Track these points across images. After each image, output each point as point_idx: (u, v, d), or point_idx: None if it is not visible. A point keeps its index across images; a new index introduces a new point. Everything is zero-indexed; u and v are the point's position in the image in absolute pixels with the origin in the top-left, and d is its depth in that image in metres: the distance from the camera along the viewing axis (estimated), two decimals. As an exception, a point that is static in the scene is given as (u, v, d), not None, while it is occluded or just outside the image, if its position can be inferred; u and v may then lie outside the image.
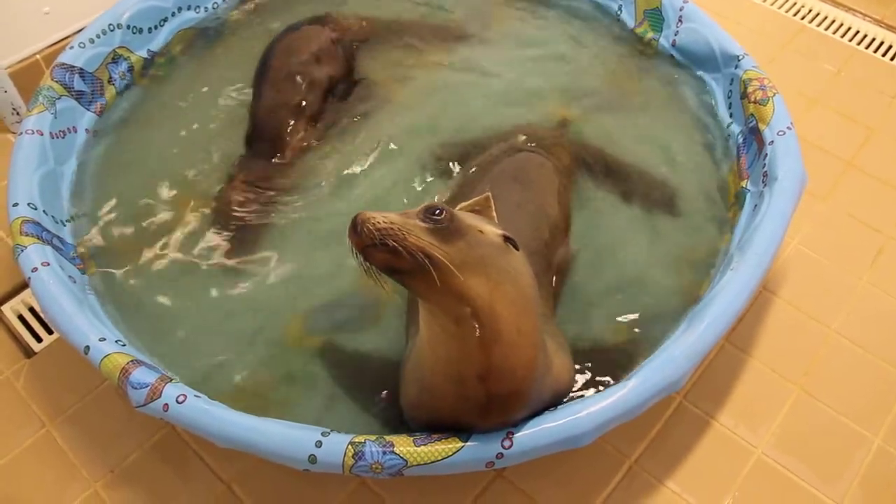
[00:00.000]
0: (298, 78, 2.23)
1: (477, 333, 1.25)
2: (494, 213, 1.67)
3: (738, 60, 2.13)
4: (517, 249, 1.28)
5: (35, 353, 1.91)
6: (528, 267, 1.32)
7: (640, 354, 1.64)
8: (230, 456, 1.67)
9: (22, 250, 1.68)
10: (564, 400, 1.54)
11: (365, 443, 1.37)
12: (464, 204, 1.72)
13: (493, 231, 1.28)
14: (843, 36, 2.78)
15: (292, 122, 2.17)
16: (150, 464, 1.72)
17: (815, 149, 2.36)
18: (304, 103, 2.21)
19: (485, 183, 1.81)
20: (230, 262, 1.90)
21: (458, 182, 1.97)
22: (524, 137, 2.08)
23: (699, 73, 2.29)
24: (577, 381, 1.64)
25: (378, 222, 1.17)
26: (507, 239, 1.27)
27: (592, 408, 1.41)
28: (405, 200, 2.00)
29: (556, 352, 1.47)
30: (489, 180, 1.83)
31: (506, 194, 1.76)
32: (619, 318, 1.77)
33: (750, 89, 2.03)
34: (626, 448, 1.72)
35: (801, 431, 1.78)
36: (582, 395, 1.58)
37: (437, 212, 1.22)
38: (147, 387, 1.46)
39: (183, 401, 1.44)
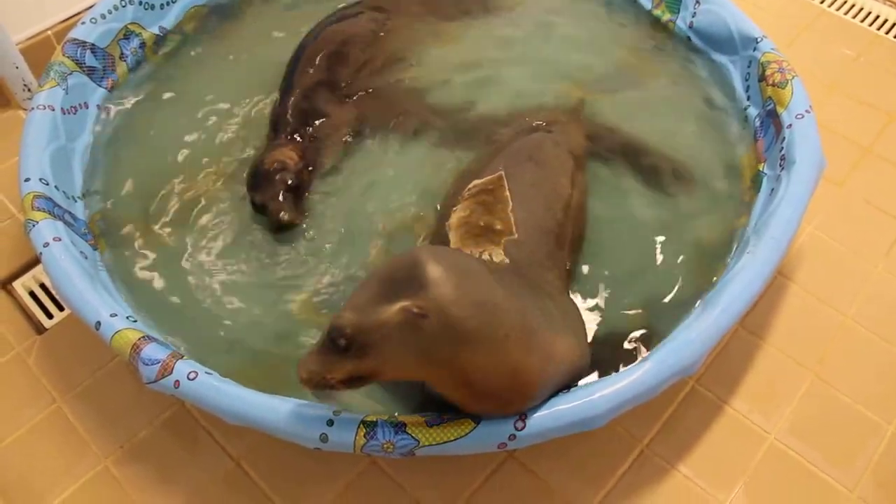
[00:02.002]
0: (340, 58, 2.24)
1: (454, 388, 1.33)
2: (507, 192, 1.66)
3: (757, 43, 2.10)
4: (423, 315, 1.21)
5: (46, 330, 1.91)
6: (466, 302, 1.24)
7: (655, 337, 1.63)
8: (239, 433, 1.67)
9: (33, 225, 1.68)
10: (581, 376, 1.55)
11: (377, 422, 1.37)
12: (477, 182, 1.72)
13: (392, 315, 1.21)
14: (862, 20, 2.74)
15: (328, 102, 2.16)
16: (159, 440, 1.72)
17: (833, 134, 2.33)
18: (342, 84, 2.22)
19: (498, 161, 1.80)
20: (242, 238, 1.90)
21: (473, 160, 1.95)
22: (539, 118, 2.06)
23: (716, 55, 2.26)
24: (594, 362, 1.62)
25: (303, 377, 1.25)
26: (407, 311, 1.20)
27: (606, 390, 1.40)
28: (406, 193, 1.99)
29: (560, 334, 1.45)
30: (503, 159, 1.81)
31: (520, 173, 1.75)
32: (633, 301, 1.76)
33: (768, 72, 2.00)
34: (637, 431, 1.71)
35: (815, 418, 1.76)
36: (596, 378, 1.57)
37: (339, 340, 1.23)
38: (158, 363, 1.46)
39: (194, 377, 1.44)
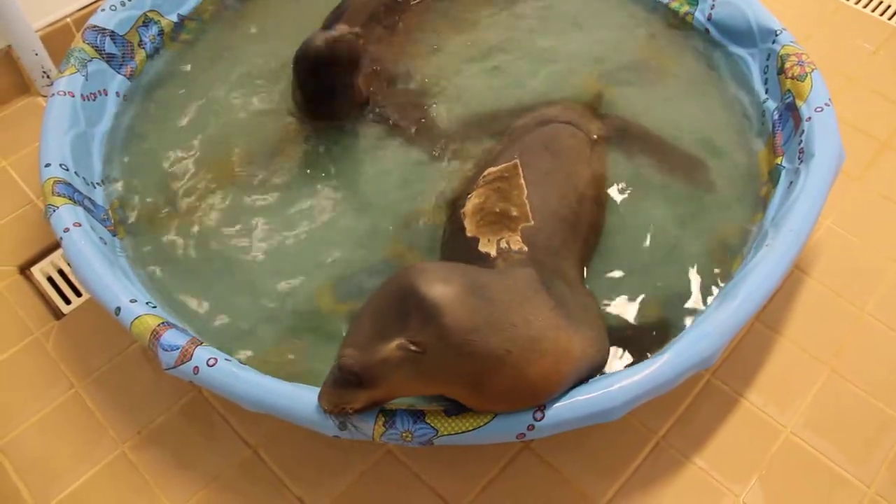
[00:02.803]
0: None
1: (466, 399, 1.37)
2: (522, 180, 1.66)
3: (776, 35, 2.09)
4: (420, 350, 1.25)
5: (64, 315, 1.92)
6: (462, 328, 1.27)
7: (672, 329, 1.63)
8: (257, 420, 1.68)
9: (54, 210, 1.69)
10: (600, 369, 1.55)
11: (396, 411, 1.38)
12: (492, 169, 1.72)
13: (391, 352, 1.26)
14: (881, 14, 2.72)
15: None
16: (177, 426, 1.73)
17: (851, 128, 2.32)
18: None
19: (515, 150, 1.80)
20: (261, 226, 1.91)
21: (489, 149, 1.95)
22: (556, 109, 2.06)
23: (735, 48, 2.25)
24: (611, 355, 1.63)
25: (326, 409, 1.34)
26: (404, 348, 1.25)
27: (624, 382, 1.41)
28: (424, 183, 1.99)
29: (577, 329, 1.45)
30: (519, 148, 1.81)
31: (535, 162, 1.75)
32: (650, 292, 1.76)
33: (788, 65, 1.99)
34: (653, 424, 1.71)
35: (831, 412, 1.76)
36: (614, 370, 1.57)
37: (349, 377, 1.29)
38: (178, 349, 1.47)
39: (213, 364, 1.45)
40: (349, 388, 1.30)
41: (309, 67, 2.01)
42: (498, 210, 1.62)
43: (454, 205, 1.81)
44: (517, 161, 1.73)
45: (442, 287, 1.26)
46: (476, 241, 1.59)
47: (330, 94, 2.05)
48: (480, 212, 1.64)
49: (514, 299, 1.35)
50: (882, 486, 1.65)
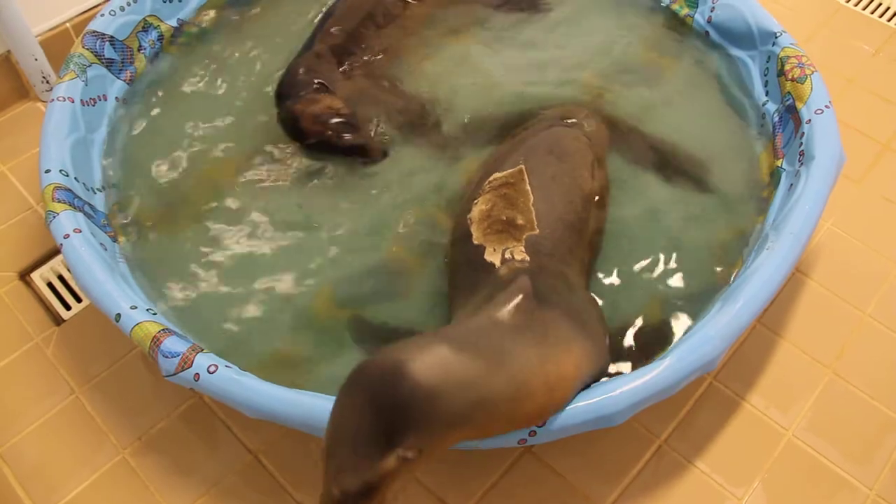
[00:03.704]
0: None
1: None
2: (528, 186, 1.66)
3: (776, 37, 2.08)
4: (419, 453, 1.14)
5: (64, 321, 1.92)
6: (449, 414, 1.18)
7: (673, 333, 1.63)
8: (257, 426, 1.67)
9: (54, 217, 1.69)
10: (601, 376, 1.53)
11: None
12: (498, 175, 1.71)
13: (392, 465, 1.12)
14: (881, 16, 2.72)
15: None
16: (177, 432, 1.73)
17: (851, 130, 2.32)
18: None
19: (519, 155, 1.79)
20: (261, 231, 1.91)
21: (493, 154, 1.94)
22: (558, 112, 2.06)
23: (735, 50, 2.25)
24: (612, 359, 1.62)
25: None
26: (402, 459, 1.12)
27: (626, 387, 1.40)
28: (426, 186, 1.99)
29: (576, 344, 1.42)
30: (523, 153, 1.81)
31: (541, 167, 1.74)
32: (652, 296, 1.75)
33: (787, 67, 1.99)
34: (655, 427, 1.71)
35: (833, 415, 1.76)
36: (616, 374, 1.56)
37: (355, 499, 1.13)
38: (178, 356, 1.47)
39: (214, 371, 1.45)
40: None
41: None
42: (504, 218, 1.62)
43: (460, 209, 1.80)
44: (522, 167, 1.72)
45: (413, 388, 1.14)
46: (482, 249, 1.59)
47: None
48: (487, 219, 1.64)
49: (492, 356, 1.26)
50: (884, 488, 1.65)
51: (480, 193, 1.71)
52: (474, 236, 1.61)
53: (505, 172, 1.73)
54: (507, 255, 1.54)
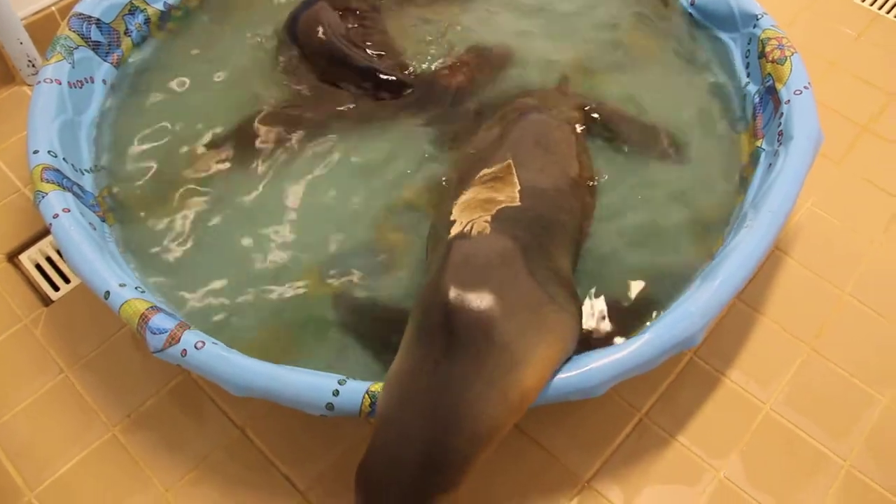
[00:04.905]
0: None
1: None
2: (516, 178, 1.67)
3: (757, 20, 2.11)
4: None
5: (52, 302, 1.94)
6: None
7: (655, 310, 1.65)
8: (244, 401, 1.71)
9: (43, 196, 1.70)
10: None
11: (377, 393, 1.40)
12: (486, 171, 1.72)
13: None
14: (863, 0, 2.75)
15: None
16: (166, 409, 1.75)
17: (833, 112, 2.35)
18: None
19: (505, 149, 1.79)
20: (248, 211, 1.92)
21: (476, 145, 1.94)
22: (539, 95, 2.08)
23: (717, 32, 2.27)
24: (591, 332, 1.65)
25: None
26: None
27: (607, 359, 1.43)
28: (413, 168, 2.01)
29: (539, 337, 1.40)
30: (510, 146, 1.80)
31: (528, 160, 1.75)
32: (634, 275, 1.77)
33: (768, 48, 2.02)
34: (637, 401, 1.75)
35: (811, 390, 1.79)
36: (598, 347, 1.59)
37: None
38: (166, 332, 1.49)
39: (201, 347, 1.47)
40: None
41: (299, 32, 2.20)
42: (484, 198, 1.63)
43: (447, 197, 1.80)
44: (510, 161, 1.73)
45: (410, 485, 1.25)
46: (452, 224, 1.57)
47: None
48: (470, 202, 1.65)
49: (466, 419, 1.28)
50: (857, 460, 1.69)
51: (470, 185, 1.70)
52: (452, 214, 1.61)
53: (493, 168, 1.73)
54: (468, 228, 1.50)
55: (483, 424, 1.27)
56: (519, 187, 1.64)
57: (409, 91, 2.14)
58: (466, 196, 1.67)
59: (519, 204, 1.58)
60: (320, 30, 2.20)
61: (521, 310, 1.35)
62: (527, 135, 1.87)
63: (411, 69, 2.21)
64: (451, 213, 1.63)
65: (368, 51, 2.23)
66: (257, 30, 2.35)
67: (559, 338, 1.42)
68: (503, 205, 1.57)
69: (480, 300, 1.32)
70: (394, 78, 2.14)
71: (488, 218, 1.51)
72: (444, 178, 1.93)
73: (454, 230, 1.51)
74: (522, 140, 1.85)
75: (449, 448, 1.25)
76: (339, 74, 2.18)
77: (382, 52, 2.25)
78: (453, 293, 1.31)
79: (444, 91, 2.15)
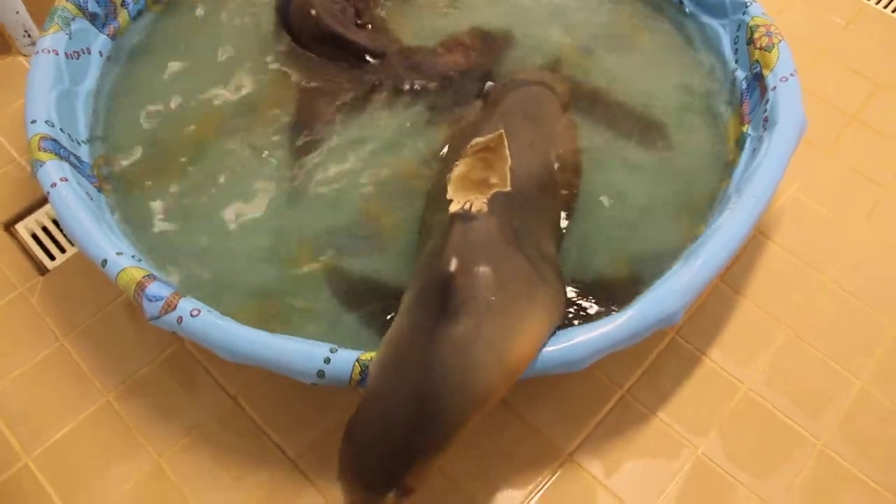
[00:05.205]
0: None
1: None
2: (507, 151, 1.71)
3: (746, 7, 2.14)
4: (409, 491, 1.31)
5: (48, 271, 1.97)
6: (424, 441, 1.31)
7: (638, 289, 1.68)
8: (237, 371, 1.75)
9: (41, 165, 1.72)
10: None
11: (371, 360, 1.43)
12: (478, 140, 1.76)
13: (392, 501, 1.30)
14: (853, -11, 2.78)
15: None
16: (160, 377, 1.79)
17: (820, 101, 2.38)
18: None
19: (497, 119, 1.83)
20: (242, 182, 1.95)
21: (468, 115, 1.99)
22: (529, 75, 2.11)
23: (707, 18, 2.29)
24: (576, 310, 1.69)
25: None
26: (397, 498, 1.30)
27: (591, 334, 1.47)
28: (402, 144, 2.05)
29: (527, 314, 1.46)
30: (501, 116, 1.85)
31: (518, 132, 1.78)
32: (619, 255, 1.82)
33: (756, 35, 2.05)
34: (619, 378, 1.79)
35: (788, 371, 1.84)
36: (582, 323, 1.63)
37: None
38: (162, 300, 1.52)
39: (197, 314, 1.50)
40: None
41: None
42: (478, 178, 1.67)
43: (437, 169, 1.86)
44: (502, 132, 1.76)
45: (398, 438, 1.29)
46: (450, 202, 1.62)
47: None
48: (463, 179, 1.68)
49: (457, 379, 1.32)
50: (831, 440, 1.74)
51: (462, 156, 1.75)
52: (448, 191, 1.65)
53: (485, 137, 1.77)
54: (467, 206, 1.55)
55: (477, 386, 1.32)
56: (510, 163, 1.68)
57: (376, 60, 2.19)
58: (459, 169, 1.70)
59: (510, 189, 1.63)
60: (312, 12, 2.22)
61: (516, 283, 1.43)
62: (517, 106, 1.91)
63: (398, 44, 2.24)
64: (445, 188, 1.67)
65: (357, 26, 2.26)
66: (255, 3, 2.36)
67: (548, 312, 1.49)
68: (496, 188, 1.61)
69: (479, 270, 1.40)
70: (358, 43, 2.19)
71: (485, 200, 1.56)
72: (435, 153, 1.97)
73: (453, 208, 1.56)
74: (513, 111, 1.88)
75: (441, 408, 1.29)
76: (329, 52, 2.21)
77: (369, 26, 2.28)
78: (455, 262, 1.38)
79: (432, 68, 2.17)
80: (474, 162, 1.72)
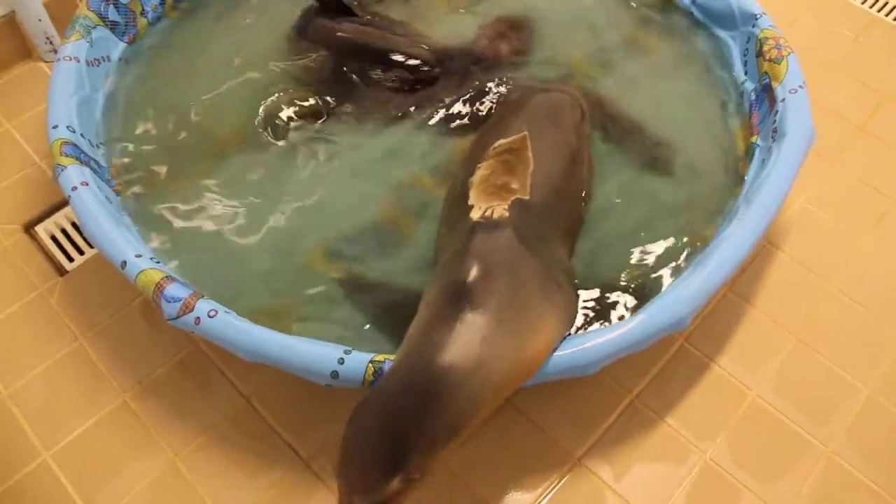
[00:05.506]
0: None
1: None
2: (530, 153, 1.74)
3: (756, 19, 2.16)
4: (419, 476, 1.27)
5: (67, 272, 2.00)
6: (440, 428, 1.29)
7: (649, 294, 1.71)
8: (251, 372, 1.78)
9: (62, 170, 1.76)
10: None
11: (385, 361, 1.46)
12: (502, 141, 1.78)
13: (398, 486, 1.25)
14: (863, 2, 2.80)
15: None
16: (175, 378, 1.82)
17: (828, 112, 2.40)
18: None
19: (521, 120, 1.85)
20: (257, 187, 1.98)
21: (490, 121, 2.01)
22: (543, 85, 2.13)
23: (717, 30, 2.32)
24: (587, 316, 1.71)
25: None
26: (405, 481, 1.26)
27: (601, 339, 1.50)
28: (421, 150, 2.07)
29: (545, 314, 1.49)
30: (525, 117, 1.87)
31: (541, 134, 1.80)
32: (630, 259, 1.84)
33: (766, 48, 2.07)
34: (628, 384, 1.81)
35: (796, 378, 1.86)
36: (592, 328, 1.66)
37: None
38: (180, 301, 1.55)
39: (214, 315, 1.53)
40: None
41: None
42: (500, 183, 1.69)
43: (459, 171, 1.86)
44: (526, 133, 1.78)
45: (414, 416, 1.27)
46: (471, 208, 1.65)
47: None
48: (485, 183, 1.70)
49: (476, 362, 1.34)
50: (839, 447, 1.76)
51: (484, 158, 1.77)
52: (470, 197, 1.67)
53: (509, 139, 1.79)
54: (487, 213, 1.59)
55: (493, 376, 1.34)
56: (531, 168, 1.70)
57: (436, 70, 2.18)
58: (481, 172, 1.73)
59: (529, 197, 1.65)
60: (337, 33, 2.24)
61: (534, 285, 1.48)
62: (541, 108, 1.94)
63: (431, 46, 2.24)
64: (466, 191, 1.70)
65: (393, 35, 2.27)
66: (274, 10, 2.40)
67: (562, 316, 1.52)
68: (517, 195, 1.64)
69: (499, 275, 1.44)
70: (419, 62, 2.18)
71: (506, 206, 1.60)
72: (455, 158, 1.99)
73: (474, 214, 1.60)
74: (536, 113, 1.91)
75: (455, 393, 1.29)
76: (362, 67, 2.21)
77: (403, 35, 2.28)
78: (476, 268, 1.43)
79: (495, 60, 2.21)
80: (496, 165, 1.74)
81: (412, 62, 2.17)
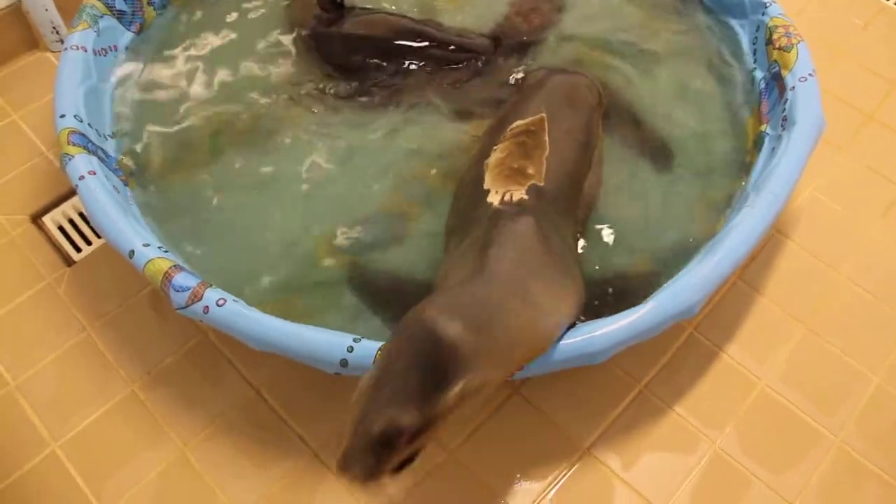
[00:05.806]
0: None
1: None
2: (546, 137, 1.73)
3: (766, 7, 2.15)
4: (483, 384, 1.26)
5: (75, 262, 2.00)
6: (496, 341, 1.30)
7: (658, 282, 1.70)
8: (259, 362, 1.77)
9: (70, 159, 1.76)
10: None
11: (394, 349, 1.46)
12: (519, 122, 1.77)
13: (455, 397, 1.20)
14: (872, -10, 2.78)
15: None
16: (183, 368, 1.82)
17: (838, 100, 2.39)
18: None
19: (539, 101, 1.84)
20: (264, 178, 1.98)
21: (509, 101, 1.99)
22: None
23: (727, 18, 2.32)
24: (596, 304, 1.71)
25: (358, 479, 1.18)
26: (467, 391, 1.22)
27: (611, 326, 1.50)
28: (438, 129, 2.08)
29: (568, 285, 1.54)
30: (543, 98, 1.86)
31: (558, 117, 1.79)
32: (639, 247, 1.84)
33: (775, 36, 2.06)
34: (637, 373, 1.81)
35: (805, 367, 1.85)
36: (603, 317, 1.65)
37: (400, 439, 1.18)
38: (189, 290, 1.55)
39: (223, 304, 1.53)
40: (392, 449, 1.18)
41: None
42: (516, 166, 1.68)
43: (475, 152, 1.86)
44: (544, 115, 1.78)
45: (459, 309, 1.28)
46: (487, 192, 1.65)
47: None
48: (501, 166, 1.69)
49: (521, 299, 1.38)
50: (849, 436, 1.76)
51: (501, 140, 1.76)
52: (486, 181, 1.67)
53: (526, 120, 1.78)
54: (507, 198, 1.59)
55: (514, 330, 1.34)
56: (547, 151, 1.70)
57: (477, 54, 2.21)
58: (497, 155, 1.72)
59: (544, 184, 1.65)
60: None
61: (551, 273, 1.50)
62: (559, 89, 1.93)
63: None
64: (482, 174, 1.70)
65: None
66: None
67: (571, 302, 1.52)
68: (533, 180, 1.65)
69: (517, 261, 1.45)
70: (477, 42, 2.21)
71: (523, 191, 1.61)
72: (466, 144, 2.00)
73: (492, 198, 1.61)
74: (554, 93, 1.90)
75: (491, 349, 1.27)
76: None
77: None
78: (496, 255, 1.45)
79: (525, 34, 2.24)
80: (512, 147, 1.73)
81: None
